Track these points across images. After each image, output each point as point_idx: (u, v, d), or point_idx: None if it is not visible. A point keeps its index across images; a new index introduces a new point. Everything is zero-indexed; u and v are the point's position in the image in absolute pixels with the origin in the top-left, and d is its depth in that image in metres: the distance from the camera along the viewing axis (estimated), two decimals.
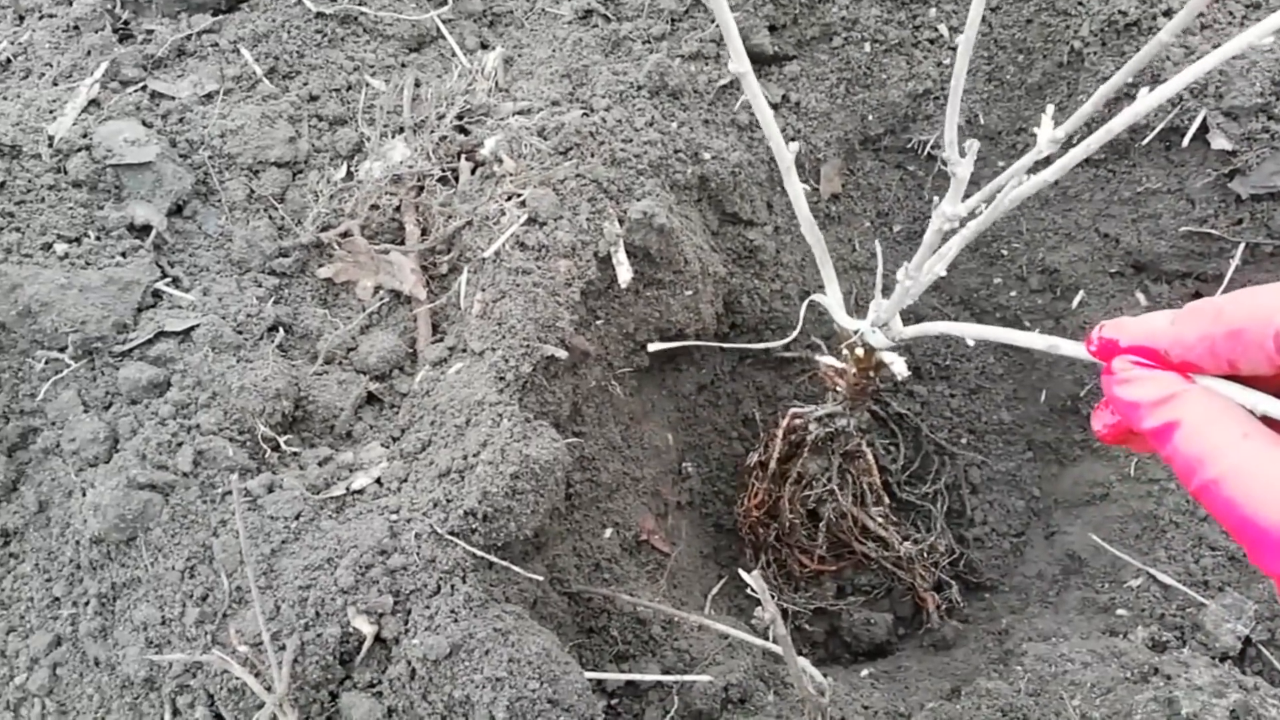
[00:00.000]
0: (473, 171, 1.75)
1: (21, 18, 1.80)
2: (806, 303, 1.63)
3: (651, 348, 1.63)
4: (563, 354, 1.62)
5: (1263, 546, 0.63)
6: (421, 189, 1.74)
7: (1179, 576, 1.68)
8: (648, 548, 1.82)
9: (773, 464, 1.79)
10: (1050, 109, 1.13)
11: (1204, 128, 1.76)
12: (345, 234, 1.68)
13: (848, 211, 2.03)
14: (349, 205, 1.70)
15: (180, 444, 1.46)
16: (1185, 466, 0.71)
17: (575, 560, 1.70)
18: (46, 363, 1.49)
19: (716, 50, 1.88)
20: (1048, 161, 1.14)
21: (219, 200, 1.68)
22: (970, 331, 1.32)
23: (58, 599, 1.41)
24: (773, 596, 1.95)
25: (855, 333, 1.53)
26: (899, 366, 1.53)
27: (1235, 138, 1.73)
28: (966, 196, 1.26)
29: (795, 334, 1.58)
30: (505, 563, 1.47)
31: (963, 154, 1.20)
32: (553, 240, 1.66)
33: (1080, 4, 1.90)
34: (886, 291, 1.46)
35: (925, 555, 1.89)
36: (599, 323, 1.73)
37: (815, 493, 1.80)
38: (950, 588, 1.96)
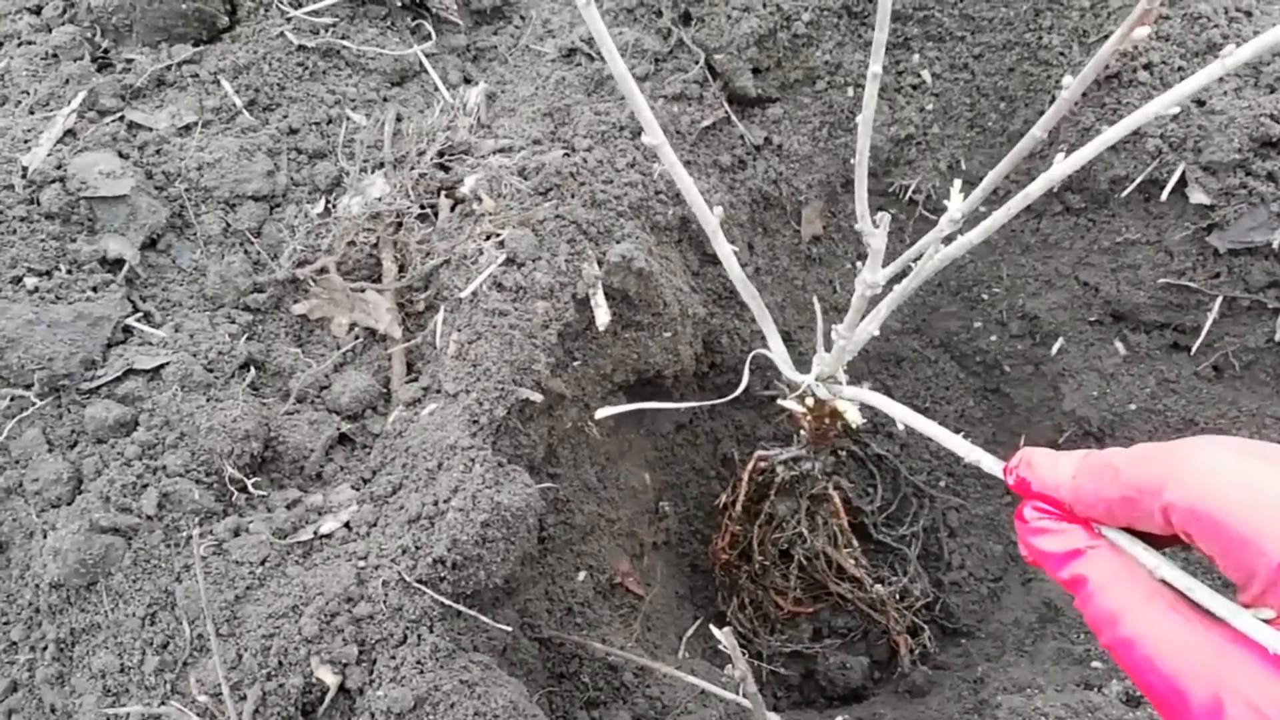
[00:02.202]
0: (452, 209, 1.74)
1: (0, 44, 1.78)
2: (750, 357, 1.63)
3: (600, 414, 1.63)
4: (538, 397, 1.60)
5: (1176, 712, 0.67)
6: (400, 226, 1.72)
7: None
8: (622, 590, 1.81)
9: (739, 505, 1.78)
10: (958, 183, 1.15)
11: (1183, 181, 1.76)
12: (321, 270, 1.67)
13: (829, 253, 2.03)
14: (326, 241, 1.68)
15: (145, 486, 1.43)
16: (1095, 621, 0.75)
17: (547, 605, 1.69)
18: (11, 400, 1.46)
19: (700, 91, 1.87)
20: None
21: (194, 234, 1.66)
22: (899, 414, 1.33)
23: (15, 643, 1.39)
24: (748, 639, 1.94)
25: (803, 385, 1.55)
26: (853, 415, 1.55)
27: (1213, 192, 1.74)
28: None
29: (741, 389, 1.58)
30: (474, 612, 1.45)
31: (876, 225, 1.22)
32: (531, 281, 1.64)
33: (1062, 54, 1.91)
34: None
35: (898, 598, 1.88)
36: (576, 364, 1.72)
37: (786, 534, 1.79)
38: (923, 632, 1.95)
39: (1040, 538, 0.81)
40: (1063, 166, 1.10)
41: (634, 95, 1.13)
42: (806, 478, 1.72)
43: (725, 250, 1.33)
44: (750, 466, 1.74)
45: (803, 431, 1.68)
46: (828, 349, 1.44)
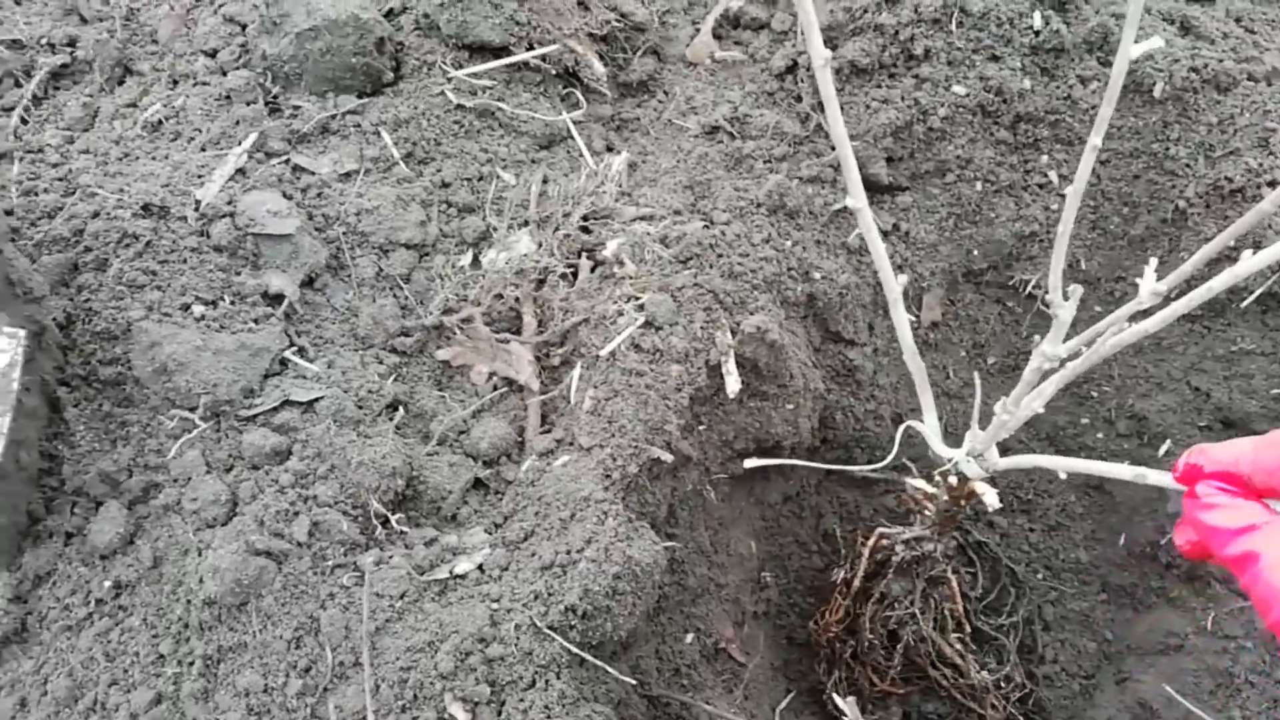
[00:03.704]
0: (592, 270, 1.80)
1: (175, 82, 1.88)
2: (903, 428, 1.66)
3: (748, 464, 1.66)
4: (668, 457, 1.64)
5: None
6: (542, 282, 1.79)
7: None
8: (725, 656, 1.82)
9: (857, 582, 1.80)
10: (1154, 261, 1.18)
11: None
12: (467, 319, 1.73)
13: (945, 340, 2.08)
14: (472, 292, 1.75)
15: (297, 513, 1.48)
16: (1264, 598, 0.73)
17: (657, 663, 1.71)
18: (177, 421, 1.52)
19: (833, 175, 1.94)
20: (1148, 311, 1.19)
21: (348, 276, 1.73)
22: (1063, 464, 1.37)
23: (163, 656, 1.43)
24: (837, 716, 1.94)
25: (950, 461, 1.57)
26: (991, 498, 1.57)
27: None
28: (1065, 339, 1.30)
29: (891, 458, 1.61)
30: (600, 662, 1.48)
31: (1066, 297, 1.25)
32: (667, 345, 1.70)
33: (1188, 166, 1.96)
34: (983, 423, 1.50)
35: (999, 686, 1.88)
36: (701, 428, 1.76)
37: (897, 614, 1.80)
38: None
39: (1211, 512, 0.81)
40: (1249, 263, 1.13)
41: (848, 159, 1.19)
42: (926, 559, 1.74)
43: (902, 318, 1.37)
44: (871, 544, 1.77)
45: (927, 512, 1.71)
46: (982, 425, 1.47)
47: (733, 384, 1.73)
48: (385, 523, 1.54)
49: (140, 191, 1.68)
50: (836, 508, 2.05)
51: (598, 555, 1.50)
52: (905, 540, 1.76)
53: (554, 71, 1.97)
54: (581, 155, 1.93)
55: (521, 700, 1.42)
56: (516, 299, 1.77)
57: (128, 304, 1.58)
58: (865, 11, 1.99)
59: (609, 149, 1.99)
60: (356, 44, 1.85)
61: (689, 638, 1.78)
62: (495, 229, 1.83)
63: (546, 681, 1.43)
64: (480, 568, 1.54)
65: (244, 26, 1.93)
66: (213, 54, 1.91)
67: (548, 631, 1.45)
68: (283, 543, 1.46)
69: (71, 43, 1.87)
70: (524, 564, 1.53)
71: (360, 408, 1.61)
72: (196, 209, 1.69)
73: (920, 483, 1.70)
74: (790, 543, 2.02)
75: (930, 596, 1.79)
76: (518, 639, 1.44)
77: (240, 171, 1.75)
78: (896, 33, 1.97)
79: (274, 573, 1.44)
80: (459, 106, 1.89)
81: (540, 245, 1.81)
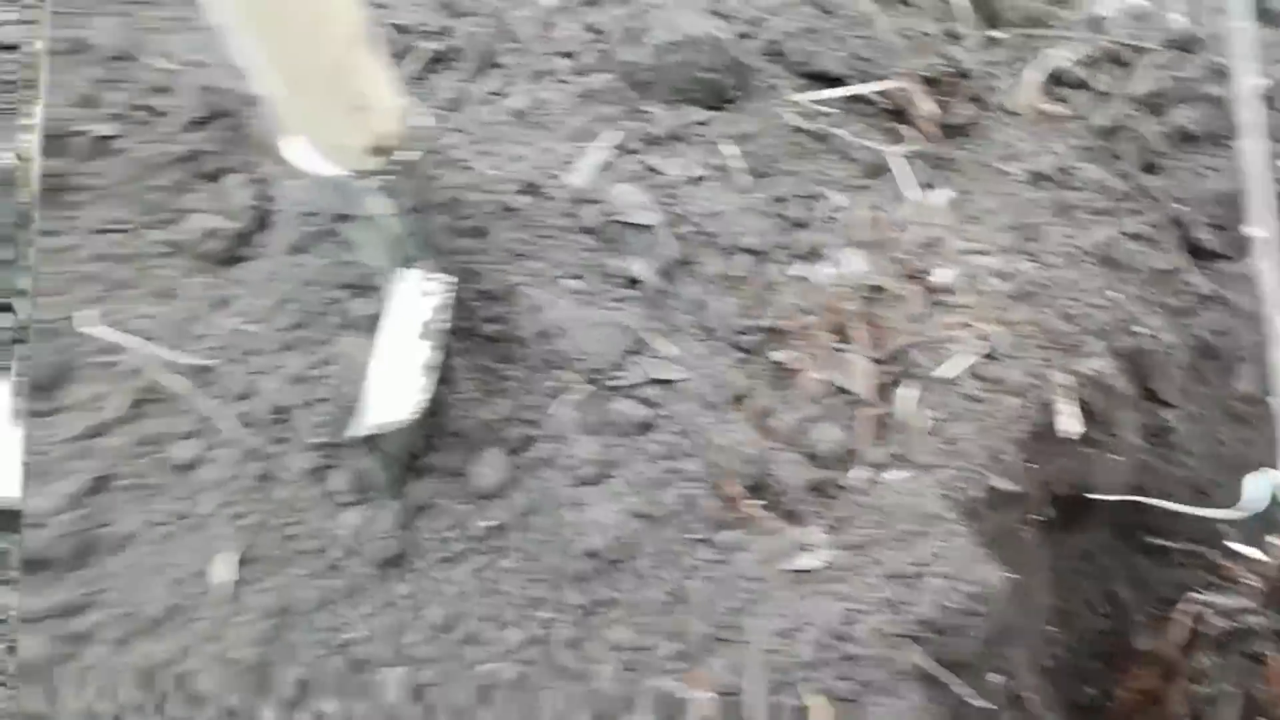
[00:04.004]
0: (922, 296, 1.83)
1: (536, 77, 1.98)
2: (1265, 478, 1.61)
3: (1098, 495, 1.65)
4: (1010, 488, 1.64)
5: None
6: (872, 301, 1.82)
7: None
8: (1021, 704, 1.78)
9: (1170, 653, 1.74)
10: None
11: None
12: (805, 327, 1.76)
13: (1256, 415, 2.05)
14: (809, 302, 1.79)
15: (667, 484, 1.51)
16: None
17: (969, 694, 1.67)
18: (554, 382, 1.57)
19: (1155, 234, 1.96)
20: None
21: (695, 272, 1.78)
22: None
23: (537, 600, 1.44)
24: None
25: None
26: None
27: None
28: None
29: (1265, 507, 1.57)
30: (961, 681, 1.45)
31: None
32: (1005, 376, 1.71)
33: None
34: None
35: None
36: (1031, 466, 1.75)
37: (1205, 692, 1.74)
38: None
39: None
40: None
41: (1261, 186, 1.21)
42: (1247, 633, 1.68)
43: None
44: (1187, 613, 1.71)
45: (1249, 581, 1.66)
46: None
47: (1071, 424, 1.72)
48: (739, 506, 1.55)
49: (514, 170, 1.76)
50: (1125, 571, 2.01)
51: (949, 571, 1.50)
52: (1224, 611, 1.71)
53: (885, 106, 2.03)
54: (906, 186, 1.98)
55: (877, 704, 1.40)
56: (850, 313, 1.80)
57: (510, 270, 1.64)
58: (1195, 81, 2.04)
59: (929, 185, 2.03)
60: (710, 61, 1.94)
61: (991, 676, 1.74)
62: (826, 245, 1.87)
63: (904, 691, 1.42)
64: (827, 565, 1.54)
65: (600, 34, 2.03)
66: (569, 55, 2.01)
67: (904, 640, 1.44)
68: (656, 509, 1.48)
69: (445, 32, 1.98)
70: (868, 570, 1.53)
71: (715, 393, 1.64)
72: (565, 192, 1.76)
73: (1253, 551, 1.66)
74: (1078, 602, 1.98)
75: (1245, 676, 1.73)
76: (874, 642, 1.43)
77: (606, 164, 1.82)
78: (1225, 104, 2.01)
79: (647, 536, 1.46)
80: (798, 129, 1.96)
81: (873, 266, 1.84)
